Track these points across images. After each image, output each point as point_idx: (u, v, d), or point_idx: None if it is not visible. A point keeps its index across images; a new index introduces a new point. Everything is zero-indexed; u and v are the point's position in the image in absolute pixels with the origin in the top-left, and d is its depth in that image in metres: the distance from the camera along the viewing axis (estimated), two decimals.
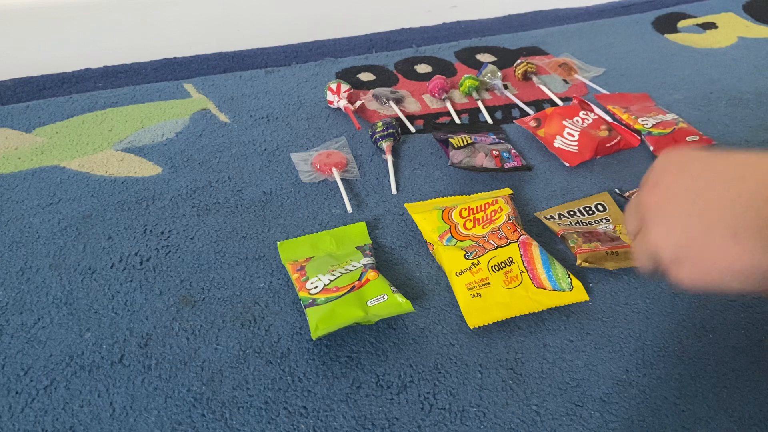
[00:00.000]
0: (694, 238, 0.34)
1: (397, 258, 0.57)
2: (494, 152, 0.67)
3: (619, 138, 0.72)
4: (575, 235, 0.58)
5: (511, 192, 0.64)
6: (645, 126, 0.73)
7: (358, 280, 0.51)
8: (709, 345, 0.50)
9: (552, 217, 0.61)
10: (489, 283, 0.52)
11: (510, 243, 0.55)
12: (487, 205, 0.59)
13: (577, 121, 0.74)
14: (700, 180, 0.35)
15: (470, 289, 0.52)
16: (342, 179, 0.66)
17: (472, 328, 0.50)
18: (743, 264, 0.33)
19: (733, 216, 0.33)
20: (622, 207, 0.63)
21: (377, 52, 0.93)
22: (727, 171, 0.35)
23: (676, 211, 0.36)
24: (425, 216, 0.59)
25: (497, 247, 0.55)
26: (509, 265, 0.53)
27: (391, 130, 0.70)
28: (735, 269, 0.33)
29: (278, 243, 0.58)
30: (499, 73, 0.84)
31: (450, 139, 0.68)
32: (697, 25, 1.05)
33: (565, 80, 0.87)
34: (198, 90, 0.82)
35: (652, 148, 0.71)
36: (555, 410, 0.45)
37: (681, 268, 0.36)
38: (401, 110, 0.79)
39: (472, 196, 0.64)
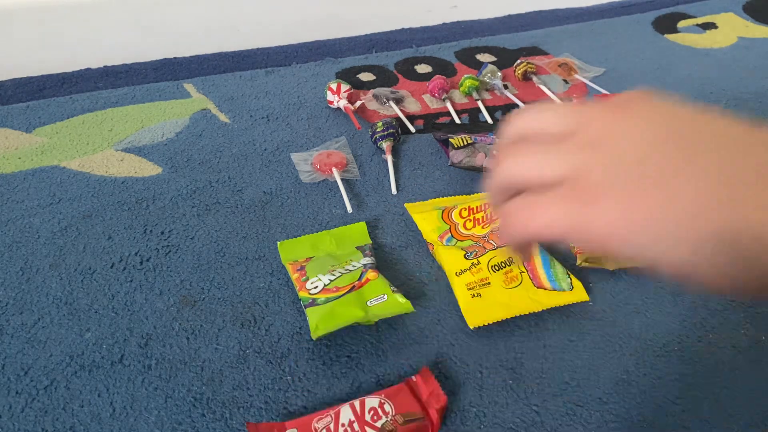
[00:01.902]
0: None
1: (397, 258, 0.57)
2: (494, 152, 0.67)
3: None
4: None
5: None
6: None
7: (358, 280, 0.51)
8: (709, 345, 0.50)
9: None
10: (489, 283, 0.52)
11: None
12: (487, 205, 0.59)
13: None
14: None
15: (470, 289, 0.52)
16: (342, 179, 0.66)
17: (472, 328, 0.50)
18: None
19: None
20: None
21: (377, 52, 0.93)
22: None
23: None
24: (425, 216, 0.59)
25: (497, 247, 0.55)
26: (509, 265, 0.53)
27: (391, 130, 0.70)
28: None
29: (278, 243, 0.58)
30: (499, 73, 0.84)
31: (450, 139, 0.68)
32: (697, 25, 1.05)
33: (565, 80, 0.87)
34: (198, 90, 0.82)
35: None
36: (555, 410, 0.45)
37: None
38: (401, 110, 0.79)
39: (472, 196, 0.64)
